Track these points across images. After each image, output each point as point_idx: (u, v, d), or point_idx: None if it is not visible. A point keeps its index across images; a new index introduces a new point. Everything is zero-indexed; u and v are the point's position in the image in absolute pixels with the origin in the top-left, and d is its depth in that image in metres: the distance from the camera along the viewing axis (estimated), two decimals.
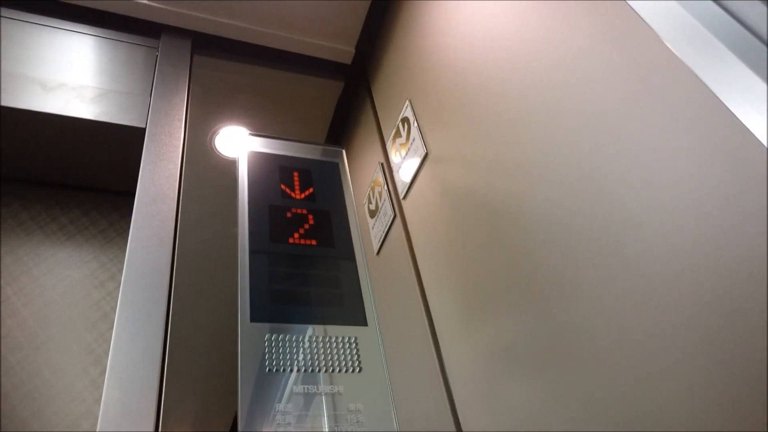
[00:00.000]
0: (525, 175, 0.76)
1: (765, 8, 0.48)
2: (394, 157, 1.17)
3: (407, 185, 1.09)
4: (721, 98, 0.48)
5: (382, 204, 1.15)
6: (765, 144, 0.44)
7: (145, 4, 1.28)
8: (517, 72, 0.81)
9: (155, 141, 1.13)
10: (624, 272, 0.57)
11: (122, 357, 0.85)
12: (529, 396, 0.70)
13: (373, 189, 1.21)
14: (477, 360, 0.82)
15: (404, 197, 1.10)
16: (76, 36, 1.27)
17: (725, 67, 0.49)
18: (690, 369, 0.49)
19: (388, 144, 1.21)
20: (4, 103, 1.10)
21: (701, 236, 0.49)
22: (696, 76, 0.51)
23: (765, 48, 0.47)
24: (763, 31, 0.48)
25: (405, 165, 1.12)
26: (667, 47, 0.55)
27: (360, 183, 1.26)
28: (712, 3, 0.52)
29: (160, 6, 1.29)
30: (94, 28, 1.29)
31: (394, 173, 1.16)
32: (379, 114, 1.32)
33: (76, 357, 1.20)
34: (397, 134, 1.17)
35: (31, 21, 1.24)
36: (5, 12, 1.22)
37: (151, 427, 0.79)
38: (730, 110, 0.48)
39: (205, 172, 1.18)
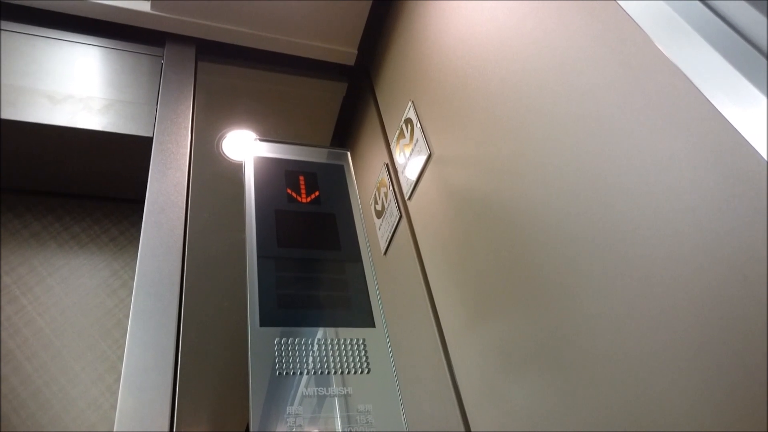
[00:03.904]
0: (524, 176, 0.76)
1: (758, 14, 0.48)
2: (399, 158, 1.18)
3: (412, 186, 1.10)
4: (713, 102, 0.49)
5: (388, 204, 1.16)
6: (754, 145, 0.45)
7: (149, 13, 1.29)
8: (515, 73, 0.81)
9: (162, 149, 1.14)
10: (623, 274, 0.58)
11: (136, 364, 0.86)
12: (536, 396, 0.71)
13: (378, 190, 1.21)
14: (484, 359, 0.83)
15: (409, 198, 1.11)
16: (81, 47, 1.28)
17: (718, 71, 0.49)
18: (687, 368, 0.50)
19: (393, 145, 1.22)
20: (13, 117, 1.12)
21: (696, 239, 0.50)
22: (688, 79, 0.51)
23: (754, 50, 0.47)
24: (754, 36, 0.48)
25: (409, 166, 1.12)
26: (661, 51, 0.55)
27: (366, 184, 1.27)
28: (707, 10, 0.52)
29: (163, 15, 1.30)
30: (99, 39, 1.30)
31: (399, 174, 1.16)
32: (383, 115, 1.33)
33: (92, 364, 1.22)
34: (401, 135, 1.18)
35: (36, 34, 1.25)
36: (11, 26, 1.24)
37: None
38: (722, 115, 0.48)
39: (212, 178, 1.19)
